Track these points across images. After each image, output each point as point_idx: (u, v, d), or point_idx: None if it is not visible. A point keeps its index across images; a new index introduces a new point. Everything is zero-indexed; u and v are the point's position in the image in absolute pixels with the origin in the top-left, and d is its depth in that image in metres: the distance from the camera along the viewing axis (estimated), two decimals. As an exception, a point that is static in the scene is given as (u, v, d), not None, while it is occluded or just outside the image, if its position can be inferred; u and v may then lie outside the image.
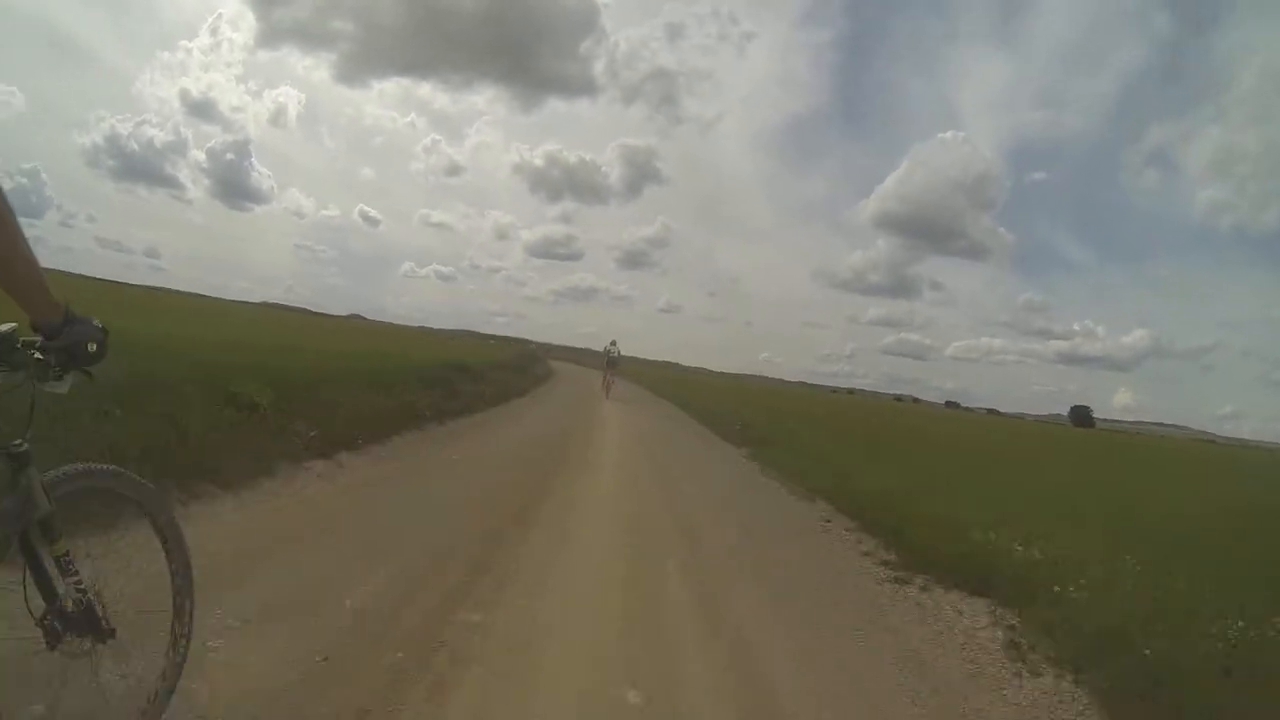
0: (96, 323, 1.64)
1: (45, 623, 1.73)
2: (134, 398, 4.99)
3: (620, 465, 9.31)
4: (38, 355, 1.57)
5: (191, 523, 3.69)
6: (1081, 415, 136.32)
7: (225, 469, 5.08)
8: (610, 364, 23.70)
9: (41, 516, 1.68)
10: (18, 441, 1.63)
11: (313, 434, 6.78)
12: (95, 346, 1.62)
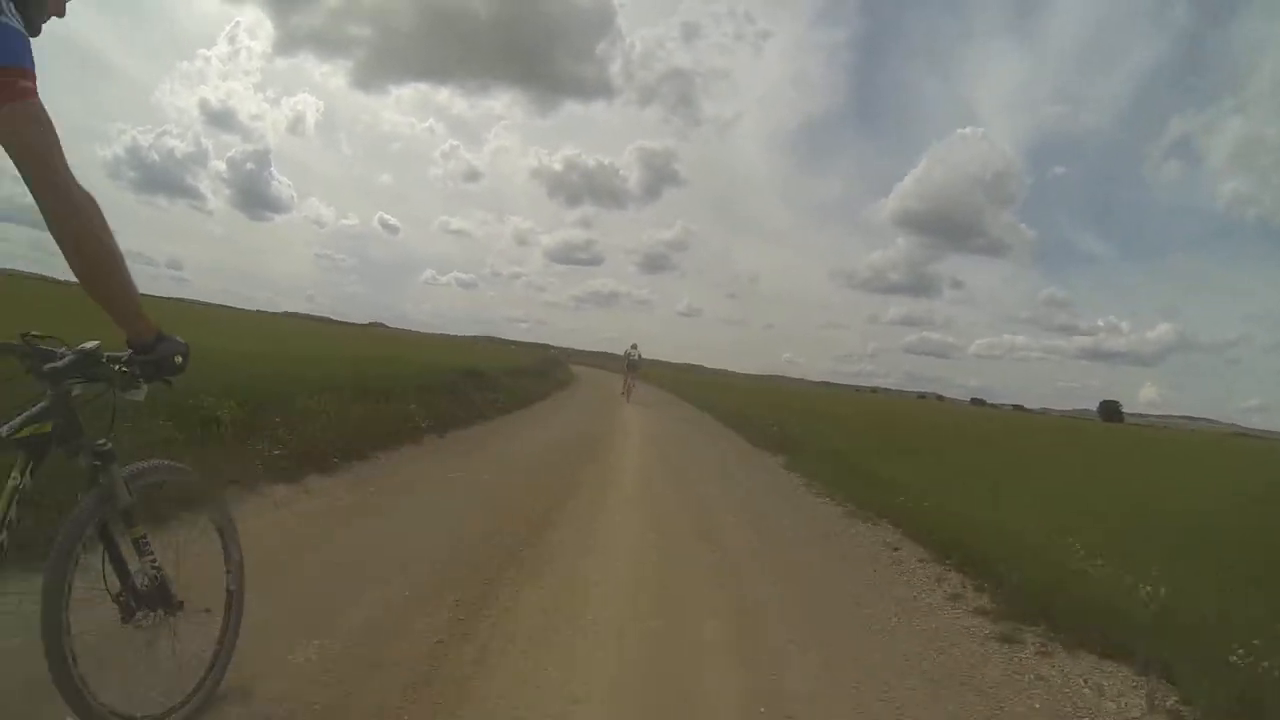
0: (180, 340, 1.87)
1: (120, 599, 2.00)
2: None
3: (645, 486, 8.12)
4: (120, 368, 1.81)
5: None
6: (1111, 410, 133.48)
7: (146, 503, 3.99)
8: (630, 367, 23.74)
9: (123, 506, 1.98)
10: (102, 441, 1.91)
11: (276, 452, 5.74)
12: (180, 359, 1.86)
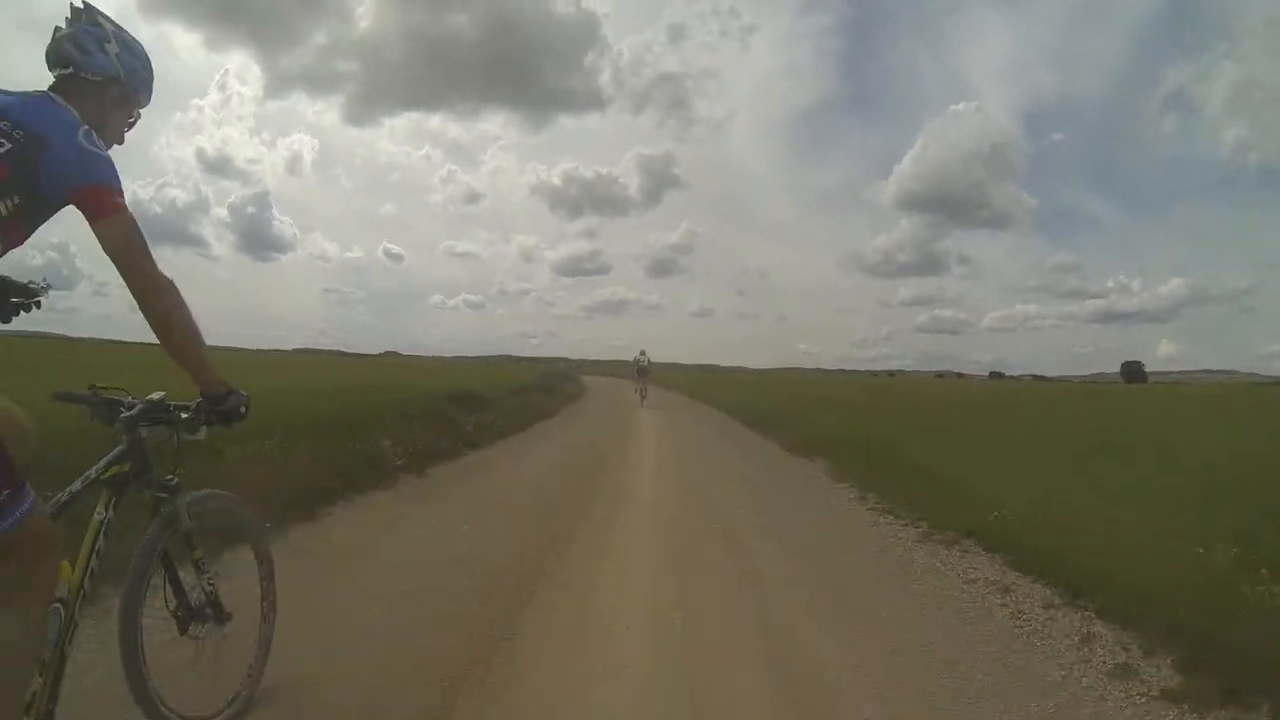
0: (244, 393, 2.19)
1: (178, 614, 2.32)
2: None
3: (667, 524, 6.59)
4: (183, 414, 2.18)
5: None
6: (1134, 371, 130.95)
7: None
8: (641, 372, 24.48)
9: (184, 530, 2.33)
10: (170, 477, 2.30)
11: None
12: (244, 409, 2.18)
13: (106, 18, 2.03)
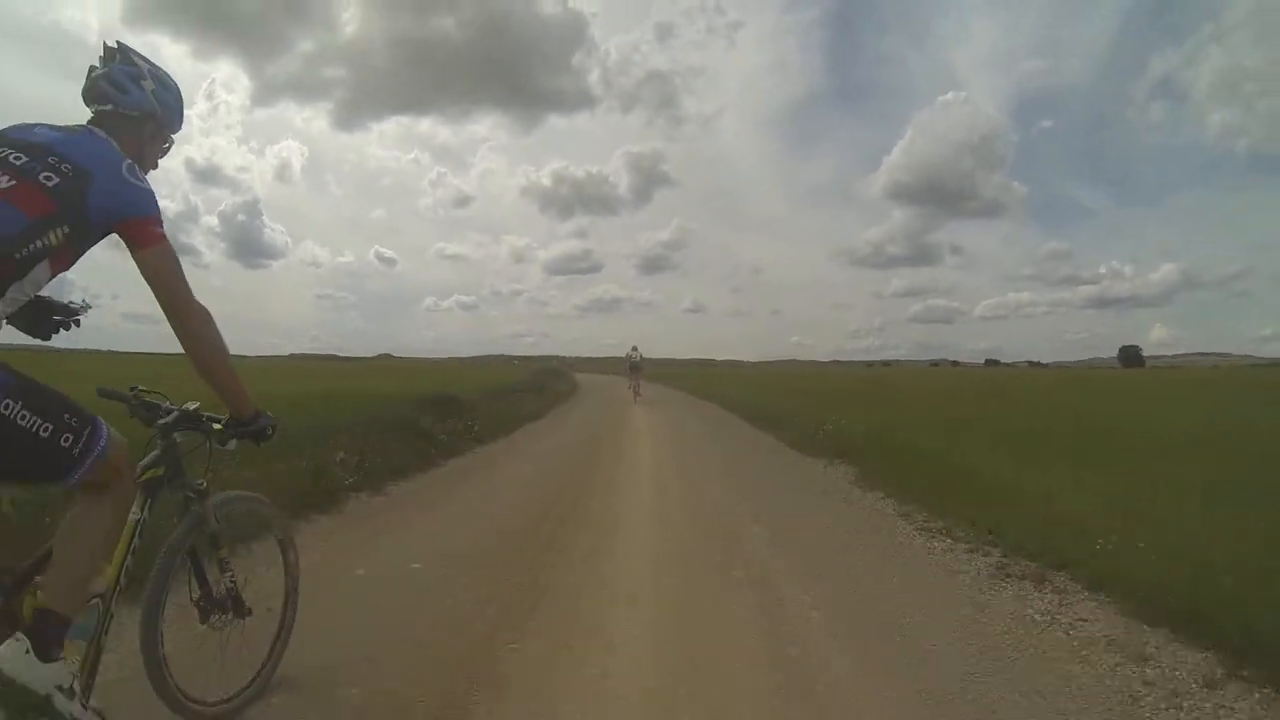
0: (271, 415, 2.33)
1: (200, 605, 2.48)
2: None
3: (672, 567, 5.46)
4: (216, 425, 2.30)
5: None
6: (1132, 355, 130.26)
7: None
8: (634, 369, 24.60)
9: (211, 532, 2.49)
10: (200, 481, 2.44)
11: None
12: (271, 431, 2.32)
13: (140, 56, 2.15)
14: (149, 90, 2.11)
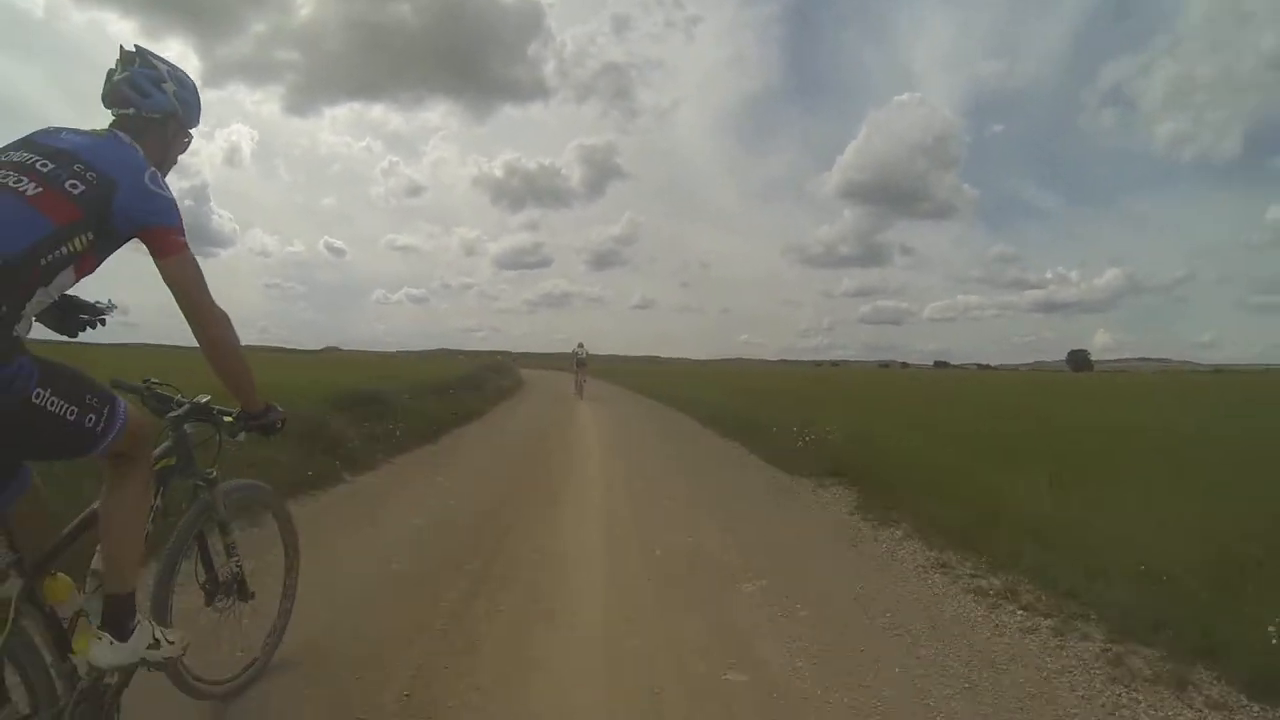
0: (280, 409, 2.41)
1: (205, 587, 2.57)
2: None
3: (628, 658, 3.86)
4: (227, 418, 2.40)
5: None
6: (1080, 359, 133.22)
7: None
8: (579, 365, 24.45)
9: (219, 519, 2.58)
10: (210, 471, 2.53)
11: None
12: (280, 424, 2.41)
13: (159, 58, 2.18)
14: (170, 92, 2.15)
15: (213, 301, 2.04)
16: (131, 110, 2.08)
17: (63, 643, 1.96)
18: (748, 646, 3.37)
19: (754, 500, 6.86)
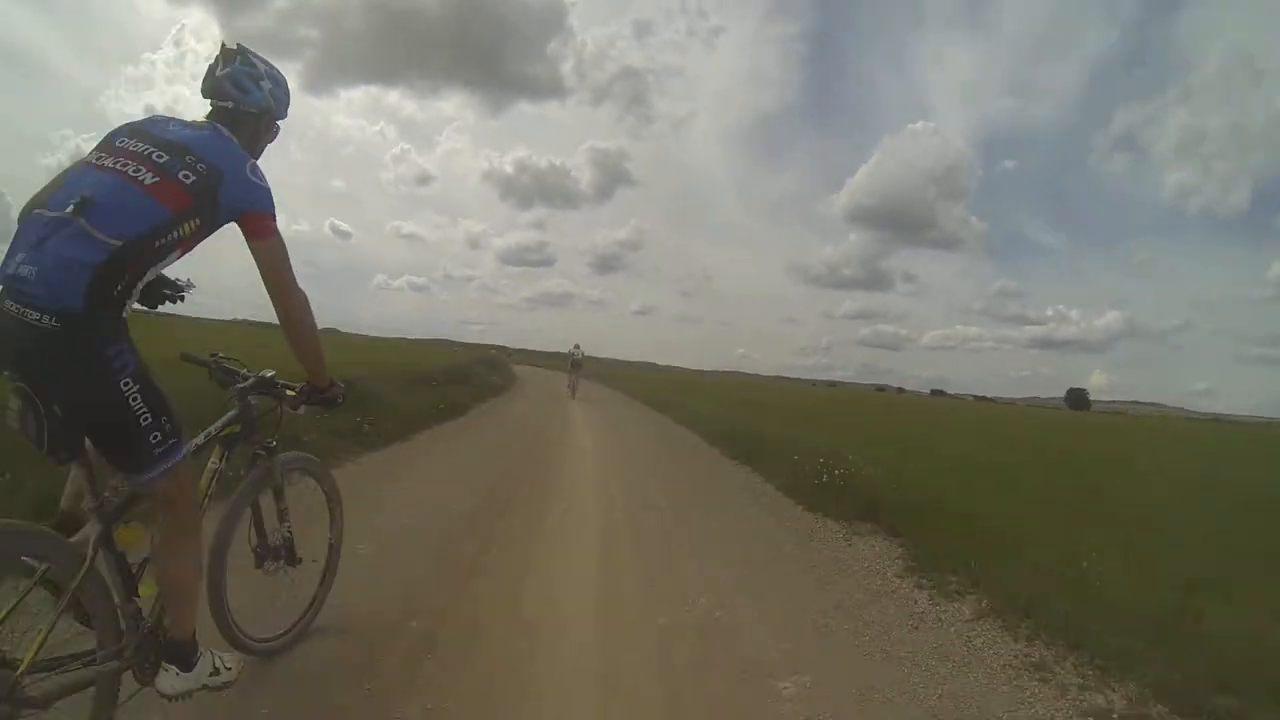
0: (341, 384, 2.60)
1: (256, 550, 2.77)
2: None
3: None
4: (289, 391, 2.60)
5: None
6: (1078, 398, 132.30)
7: None
8: (574, 366, 24.46)
9: (275, 486, 2.79)
10: (272, 441, 2.74)
11: None
12: (341, 398, 2.59)
13: (258, 56, 2.31)
14: (266, 90, 2.29)
15: (297, 284, 2.22)
16: (230, 104, 2.23)
17: (130, 585, 2.11)
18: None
19: (777, 548, 5.64)
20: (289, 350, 2.32)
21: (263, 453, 2.71)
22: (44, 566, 1.88)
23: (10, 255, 1.84)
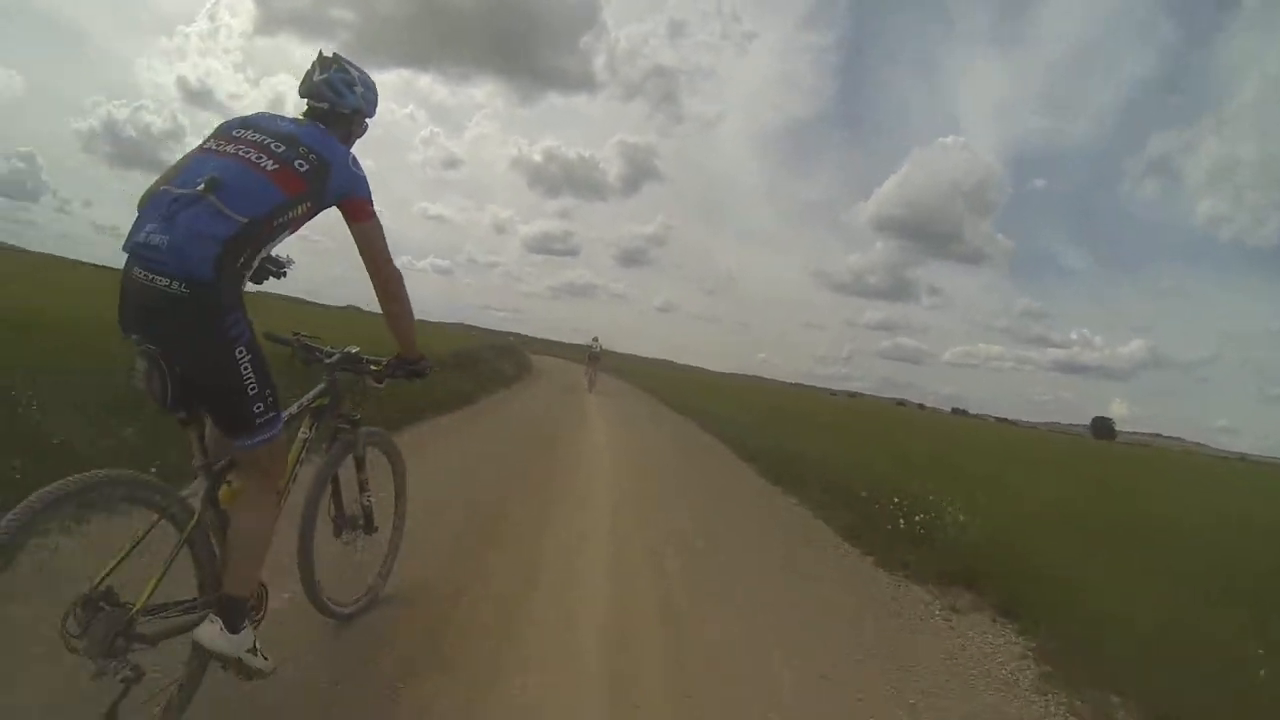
0: (428, 359, 2.74)
1: (335, 520, 2.88)
2: None
3: None
4: (374, 366, 2.71)
5: None
6: (1104, 427, 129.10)
7: None
8: (592, 359, 24.72)
9: (358, 456, 2.91)
10: (357, 414, 2.88)
11: None
12: (429, 370, 2.73)
13: (351, 64, 2.50)
14: (359, 94, 2.50)
15: (392, 261, 2.42)
16: (326, 105, 2.43)
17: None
18: None
19: (855, 628, 4.07)
20: (385, 323, 2.51)
21: (346, 426, 2.85)
22: (159, 516, 1.96)
23: (138, 226, 1.96)
